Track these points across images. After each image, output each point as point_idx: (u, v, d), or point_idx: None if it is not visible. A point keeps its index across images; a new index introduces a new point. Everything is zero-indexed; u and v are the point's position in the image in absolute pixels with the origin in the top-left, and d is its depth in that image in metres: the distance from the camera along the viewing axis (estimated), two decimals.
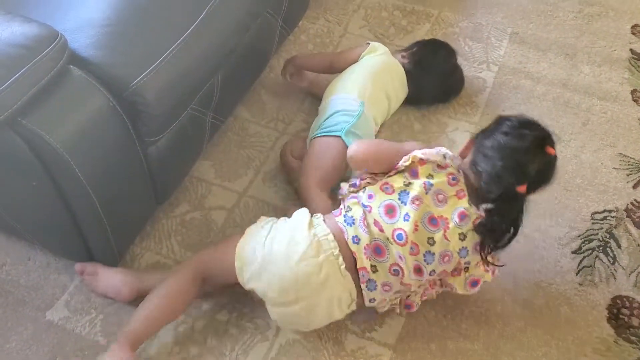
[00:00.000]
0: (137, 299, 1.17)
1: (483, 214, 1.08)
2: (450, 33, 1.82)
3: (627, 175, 1.47)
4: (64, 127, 0.98)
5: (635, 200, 1.42)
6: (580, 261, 1.32)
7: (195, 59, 1.16)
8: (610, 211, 1.40)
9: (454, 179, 1.11)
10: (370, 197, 1.13)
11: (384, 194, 1.12)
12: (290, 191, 1.43)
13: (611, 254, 1.33)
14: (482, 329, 1.21)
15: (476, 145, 1.13)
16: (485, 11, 1.89)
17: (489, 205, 1.08)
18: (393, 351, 1.18)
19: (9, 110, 0.91)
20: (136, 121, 1.10)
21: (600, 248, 1.34)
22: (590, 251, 1.33)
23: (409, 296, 1.17)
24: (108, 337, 1.18)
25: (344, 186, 1.19)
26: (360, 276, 1.09)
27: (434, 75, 1.56)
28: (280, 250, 1.09)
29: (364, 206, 1.12)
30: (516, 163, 1.06)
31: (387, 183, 1.13)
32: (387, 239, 1.08)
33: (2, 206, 1.17)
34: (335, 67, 1.55)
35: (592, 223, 1.38)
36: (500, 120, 1.14)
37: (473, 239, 1.09)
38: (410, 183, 1.11)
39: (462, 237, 1.08)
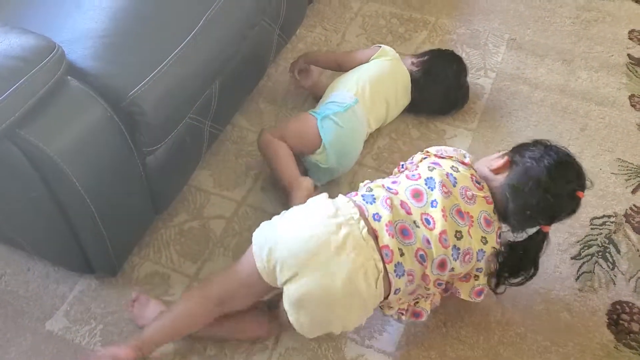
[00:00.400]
0: None
1: (500, 239, 1.11)
2: (448, 40, 1.83)
3: (626, 180, 1.47)
4: (61, 138, 0.99)
5: (634, 205, 1.42)
6: (580, 267, 1.31)
7: (192, 68, 1.17)
8: (609, 216, 1.40)
9: (478, 182, 1.12)
10: (394, 182, 1.13)
11: (409, 180, 1.12)
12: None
13: (610, 260, 1.32)
14: (481, 336, 1.21)
15: (513, 170, 1.11)
16: (483, 18, 1.90)
17: (513, 239, 1.12)
18: (393, 359, 1.18)
19: (7, 121, 0.92)
20: (134, 131, 1.10)
21: (600, 253, 1.33)
22: (590, 257, 1.33)
23: (417, 302, 1.14)
24: (108, 346, 1.18)
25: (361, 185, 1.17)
26: (384, 255, 1.03)
27: (439, 87, 1.55)
28: (297, 216, 1.08)
29: (389, 189, 1.11)
30: (550, 207, 1.08)
31: (410, 170, 1.15)
32: (414, 222, 1.06)
33: (1, 217, 1.17)
34: (344, 66, 1.57)
35: (591, 228, 1.38)
36: (542, 152, 1.11)
37: (491, 249, 1.09)
38: (434, 169, 1.12)
39: (484, 240, 1.08)
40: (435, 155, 1.17)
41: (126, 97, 1.06)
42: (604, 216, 1.40)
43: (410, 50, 1.78)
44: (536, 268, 1.12)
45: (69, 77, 1.02)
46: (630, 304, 1.25)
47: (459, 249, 1.06)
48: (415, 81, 1.55)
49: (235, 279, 1.11)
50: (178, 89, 1.15)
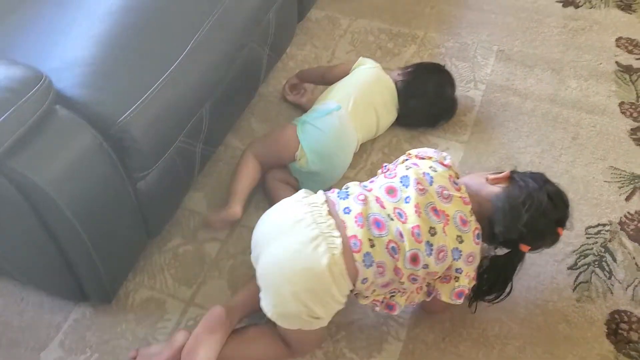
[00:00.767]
0: None
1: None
2: (437, 54, 1.83)
3: (619, 187, 1.47)
4: (51, 167, 0.98)
5: (628, 212, 1.42)
6: (577, 277, 1.31)
7: (181, 93, 1.17)
8: (604, 225, 1.40)
9: (455, 183, 1.13)
10: (371, 181, 1.17)
11: (385, 179, 1.14)
12: None
13: (607, 269, 1.32)
14: (480, 351, 1.20)
15: (513, 184, 1.14)
16: (471, 30, 1.91)
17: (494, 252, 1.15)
18: None
19: None
20: (124, 157, 1.10)
21: (596, 263, 1.33)
22: (586, 266, 1.33)
23: (393, 296, 1.14)
24: None
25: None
26: (352, 245, 1.04)
27: (420, 98, 1.56)
28: (277, 206, 1.16)
29: (364, 187, 1.15)
30: (539, 228, 1.11)
31: (389, 170, 1.18)
32: (388, 215, 1.08)
33: None
34: (327, 79, 1.60)
35: (587, 238, 1.38)
36: (544, 178, 1.16)
37: (469, 249, 1.09)
38: (410, 168, 1.14)
39: (460, 239, 1.08)
40: (416, 157, 1.20)
41: (115, 123, 1.06)
42: (598, 225, 1.40)
43: (399, 64, 1.78)
44: (511, 287, 1.15)
45: (57, 106, 1.01)
46: (629, 313, 1.25)
47: (432, 245, 1.06)
48: (399, 92, 1.56)
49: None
50: (167, 113, 1.15)
